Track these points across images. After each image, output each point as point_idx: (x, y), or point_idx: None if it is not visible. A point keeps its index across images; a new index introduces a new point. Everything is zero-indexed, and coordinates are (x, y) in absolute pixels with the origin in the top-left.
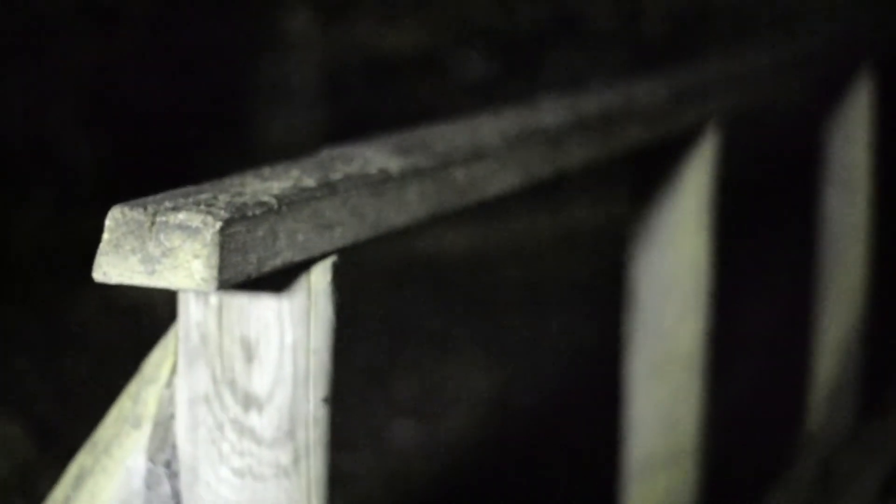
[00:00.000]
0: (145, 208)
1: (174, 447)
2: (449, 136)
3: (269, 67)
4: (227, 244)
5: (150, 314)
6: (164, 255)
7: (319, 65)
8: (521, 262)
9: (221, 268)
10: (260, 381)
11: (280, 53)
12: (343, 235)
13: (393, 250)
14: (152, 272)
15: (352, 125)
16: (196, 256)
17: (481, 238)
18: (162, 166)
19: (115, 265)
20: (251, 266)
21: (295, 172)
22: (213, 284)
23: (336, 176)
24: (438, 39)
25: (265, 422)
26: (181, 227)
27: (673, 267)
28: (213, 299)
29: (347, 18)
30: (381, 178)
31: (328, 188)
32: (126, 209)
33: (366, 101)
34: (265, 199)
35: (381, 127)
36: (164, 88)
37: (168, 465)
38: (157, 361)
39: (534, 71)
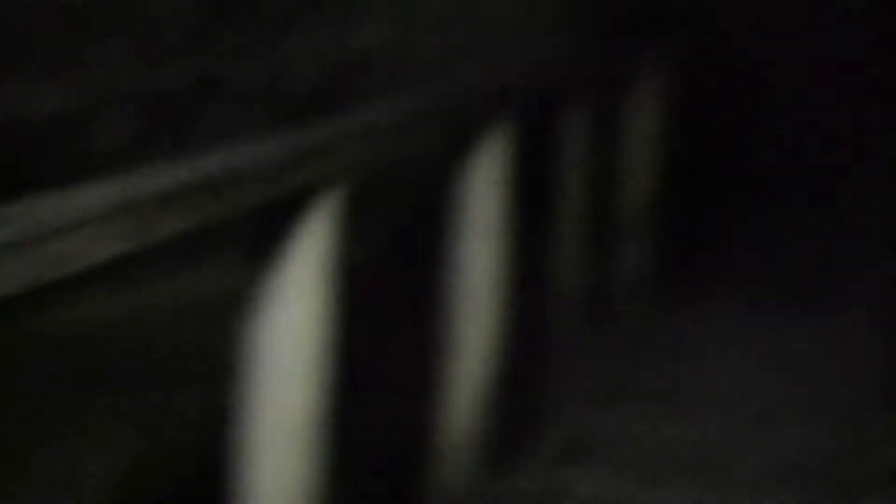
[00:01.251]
0: None
1: None
2: (51, 206)
3: None
4: None
5: None
6: None
7: None
8: (148, 330)
9: None
10: None
11: None
12: None
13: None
14: None
15: None
16: None
17: (105, 306)
18: None
19: None
20: None
21: None
22: None
23: None
24: (82, 102)
25: None
26: None
27: (286, 331)
28: None
29: None
30: None
31: None
32: None
33: (2, 167)
34: None
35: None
36: None
37: None
38: None
39: (179, 132)
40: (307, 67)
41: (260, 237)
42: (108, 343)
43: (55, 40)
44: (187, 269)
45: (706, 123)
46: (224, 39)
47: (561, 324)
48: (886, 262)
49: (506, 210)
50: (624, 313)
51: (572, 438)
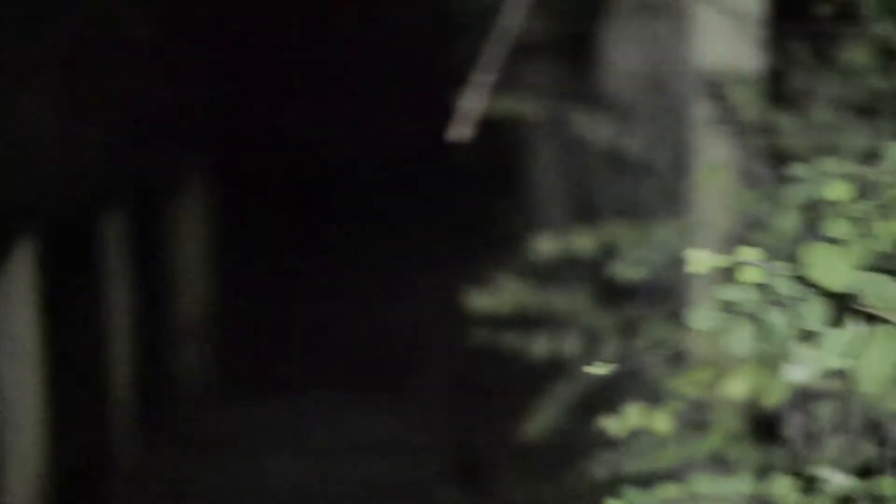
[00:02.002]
0: None
1: None
2: None
3: None
4: None
5: None
6: None
7: None
8: None
9: None
10: None
11: None
12: None
13: None
14: None
15: None
16: None
17: None
18: None
19: None
20: None
21: None
22: None
23: None
24: None
25: None
26: None
27: None
28: None
29: None
30: None
31: None
32: None
33: None
34: None
35: None
36: None
37: None
38: None
39: None
40: None
41: None
42: None
43: None
44: None
45: (262, 220)
46: None
47: (117, 427)
48: (457, 337)
49: (40, 319)
50: (186, 413)
51: None
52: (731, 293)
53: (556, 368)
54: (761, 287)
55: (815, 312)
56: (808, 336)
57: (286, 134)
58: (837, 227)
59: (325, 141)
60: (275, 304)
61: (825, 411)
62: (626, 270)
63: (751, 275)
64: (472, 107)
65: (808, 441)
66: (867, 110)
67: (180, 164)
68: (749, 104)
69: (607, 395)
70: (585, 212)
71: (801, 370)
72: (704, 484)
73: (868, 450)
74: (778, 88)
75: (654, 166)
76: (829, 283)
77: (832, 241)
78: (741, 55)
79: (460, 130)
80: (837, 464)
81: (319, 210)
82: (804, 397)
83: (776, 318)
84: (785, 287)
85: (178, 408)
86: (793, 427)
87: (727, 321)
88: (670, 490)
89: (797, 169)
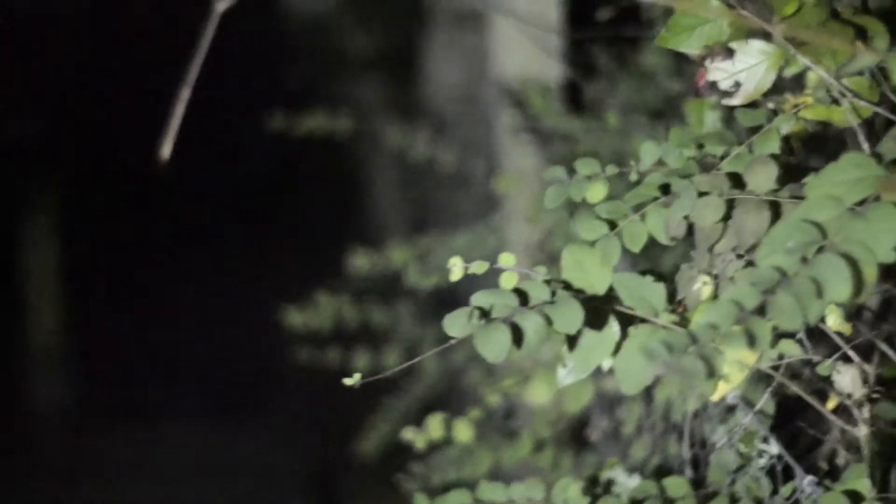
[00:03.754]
0: None
1: None
2: None
3: None
4: None
5: None
6: None
7: None
8: None
9: None
10: None
11: None
12: None
13: None
14: None
15: None
16: None
17: None
18: None
19: None
20: None
21: None
22: None
23: None
24: None
25: None
26: None
27: None
28: None
29: None
30: None
31: None
32: None
33: None
34: None
35: None
36: None
37: None
38: None
39: None
40: None
41: None
42: None
43: None
44: None
45: (111, 245)
46: None
47: None
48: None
49: None
50: (39, 442)
51: None
52: (485, 299)
53: (403, 383)
54: (519, 292)
55: (569, 316)
56: (572, 340)
57: (130, 158)
58: (591, 229)
59: (171, 164)
60: (125, 329)
61: (630, 414)
62: (420, 280)
63: (508, 280)
64: (173, 123)
65: (615, 444)
66: (659, 113)
67: (25, 190)
68: (548, 112)
69: (448, 406)
70: (418, 224)
71: (567, 373)
72: (495, 491)
73: (671, 450)
74: (575, 95)
75: (470, 177)
76: (586, 286)
77: (589, 243)
78: (540, 64)
79: (164, 148)
80: (641, 465)
81: (171, 234)
82: (613, 401)
83: (529, 322)
84: (539, 291)
85: (31, 437)
86: (600, 431)
87: (481, 328)
88: (461, 497)
89: (556, 172)
